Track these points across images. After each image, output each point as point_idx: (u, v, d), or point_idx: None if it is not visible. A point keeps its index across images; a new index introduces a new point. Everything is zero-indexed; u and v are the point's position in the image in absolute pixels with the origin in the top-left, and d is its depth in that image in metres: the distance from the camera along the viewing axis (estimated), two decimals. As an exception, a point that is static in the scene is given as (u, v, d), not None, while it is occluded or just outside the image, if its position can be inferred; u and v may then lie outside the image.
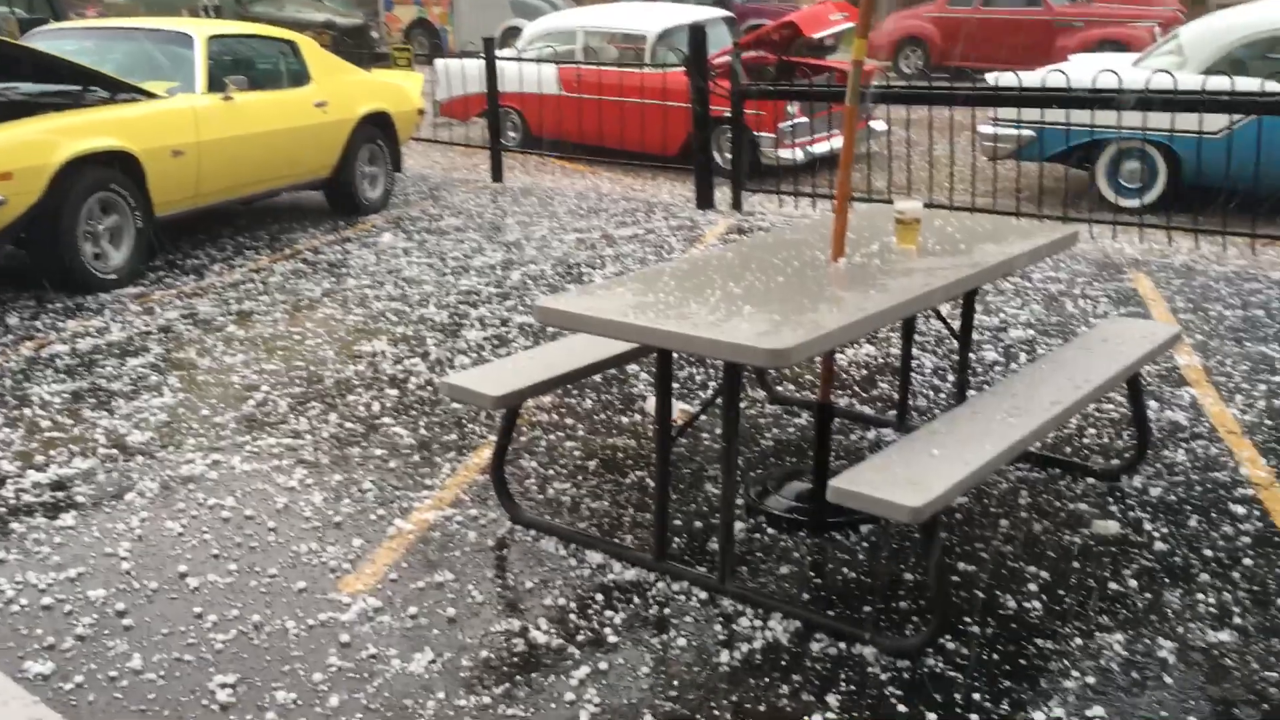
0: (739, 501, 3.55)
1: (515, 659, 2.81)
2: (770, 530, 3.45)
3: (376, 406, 4.51)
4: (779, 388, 4.63)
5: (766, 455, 4.02)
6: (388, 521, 3.55)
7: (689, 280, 3.19)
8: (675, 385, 4.69)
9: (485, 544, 3.41)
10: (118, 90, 6.50)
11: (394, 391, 4.68)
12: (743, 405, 4.47)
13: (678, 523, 3.50)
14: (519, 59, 10.42)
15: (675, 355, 5.07)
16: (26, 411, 4.47)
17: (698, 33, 8.12)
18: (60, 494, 3.76)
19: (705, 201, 8.38)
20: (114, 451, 4.10)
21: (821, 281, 3.20)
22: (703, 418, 4.25)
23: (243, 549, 3.39)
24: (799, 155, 9.03)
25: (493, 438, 4.01)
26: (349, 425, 4.33)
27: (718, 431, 4.09)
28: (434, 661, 2.80)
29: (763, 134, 9.14)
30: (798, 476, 3.70)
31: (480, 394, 3.29)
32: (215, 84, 6.87)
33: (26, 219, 5.74)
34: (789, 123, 9.15)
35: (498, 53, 9.78)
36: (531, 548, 3.38)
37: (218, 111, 6.79)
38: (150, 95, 6.56)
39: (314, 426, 4.32)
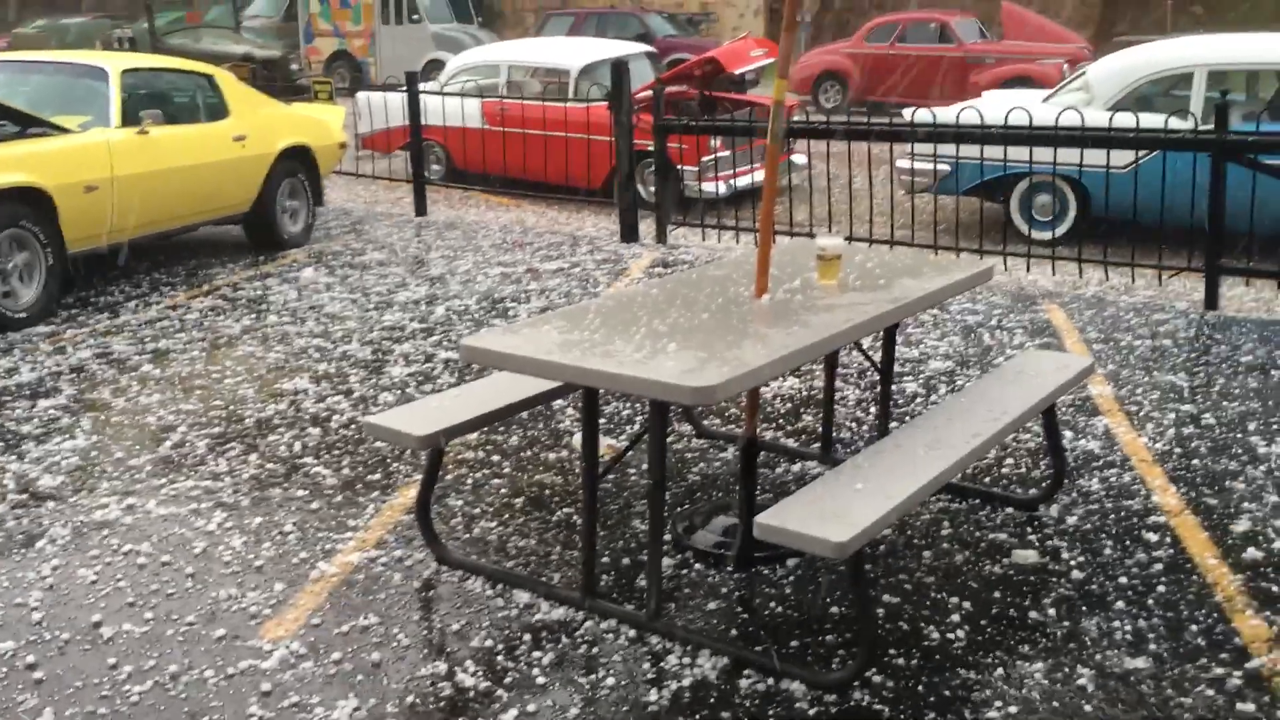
0: (666, 537, 3.55)
1: (442, 703, 2.77)
2: (698, 566, 3.46)
3: (298, 446, 4.44)
4: (705, 421, 4.65)
5: (693, 490, 4.04)
6: (310, 564, 3.49)
7: (614, 317, 3.20)
8: (602, 420, 4.70)
9: (411, 586, 3.37)
10: (28, 124, 6.35)
11: (316, 430, 4.61)
12: (669, 440, 4.48)
13: (605, 560, 3.49)
14: (442, 92, 10.41)
15: (602, 391, 5.07)
16: (-70, 457, 4.32)
17: (620, 67, 8.19)
18: (-34, 542, 3.64)
19: (630, 235, 8.43)
20: (24, 497, 3.97)
21: (745, 318, 3.23)
22: (630, 453, 4.25)
23: (159, 596, 3.30)
24: (722, 189, 9.13)
25: (418, 477, 3.97)
26: (270, 466, 4.25)
27: (644, 467, 4.09)
28: (359, 709, 2.75)
29: (686, 167, 9.23)
30: (724, 511, 3.72)
31: (404, 434, 3.26)
32: (130, 118, 6.75)
33: (-69, 257, 5.58)
34: (711, 156, 9.24)
35: (420, 86, 9.75)
36: (458, 588, 3.35)
37: (133, 146, 6.67)
38: (62, 130, 6.42)
39: (233, 468, 4.24)
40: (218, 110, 7.60)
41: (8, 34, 23.16)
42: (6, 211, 5.87)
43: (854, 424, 4.68)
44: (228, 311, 6.43)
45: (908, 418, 4.70)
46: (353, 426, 4.64)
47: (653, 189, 8.84)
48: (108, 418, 4.76)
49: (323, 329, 6.07)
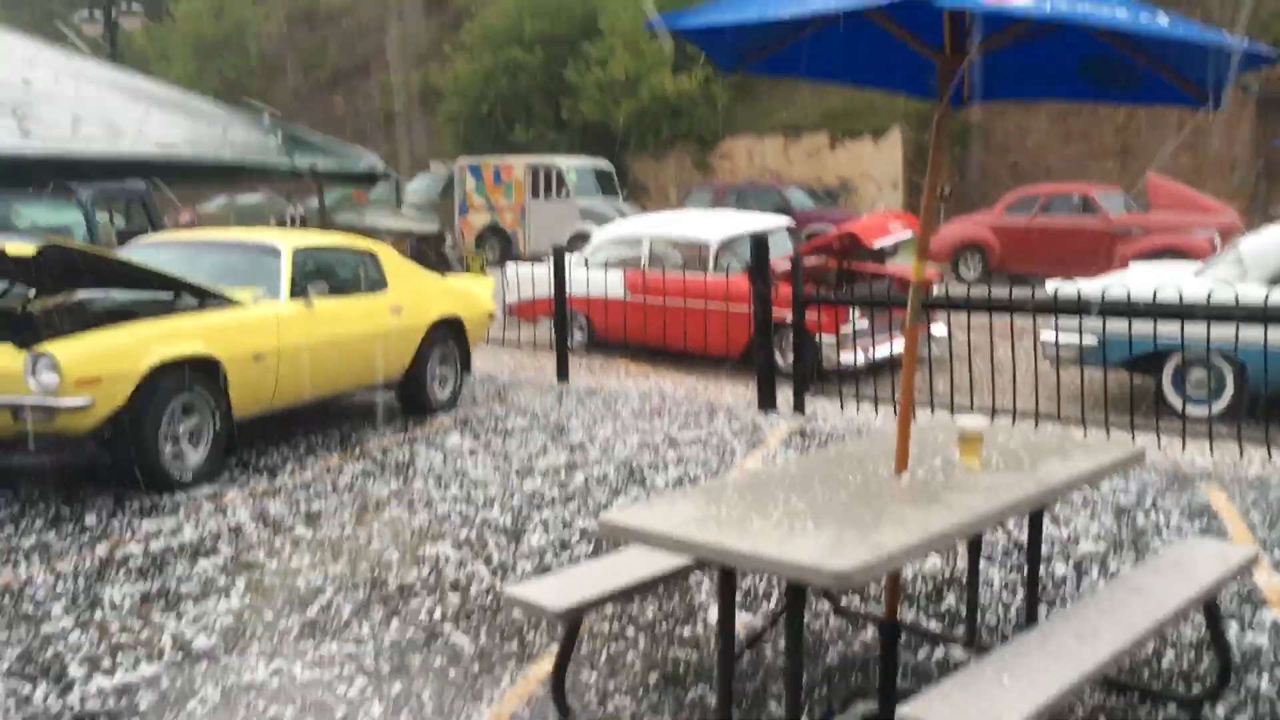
0: (804, 722, 3.46)
1: None
2: (836, 754, 3.35)
3: (439, 612, 4.51)
4: (844, 600, 4.56)
5: (831, 672, 3.94)
6: (446, 735, 3.51)
7: (751, 494, 3.22)
8: (738, 596, 4.65)
9: (544, 762, 3.35)
10: (206, 297, 6.83)
11: (456, 597, 4.69)
12: (806, 618, 4.40)
13: (741, 744, 3.41)
14: (586, 264, 10.81)
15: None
16: (98, 614, 4.53)
17: (760, 242, 8.39)
18: (125, 700, 3.78)
19: (767, 404, 8.47)
20: (179, 656, 4.13)
21: (884, 497, 3.21)
22: (766, 632, 4.19)
23: (300, 762, 3.36)
24: (860, 359, 9.14)
25: (554, 647, 3.98)
26: (410, 632, 4.33)
27: (782, 646, 4.02)
28: None
29: (824, 337, 9.29)
30: (863, 697, 3.61)
31: (542, 606, 3.30)
32: (298, 291, 7.19)
33: (111, 421, 5.96)
34: (849, 327, 9.30)
35: (566, 257, 10.16)
36: (591, 767, 3.31)
37: (299, 317, 7.09)
38: (236, 302, 6.88)
39: (376, 632, 4.32)
40: (378, 283, 8.05)
41: (190, 208, 25.06)
42: (182, 379, 6.27)
43: (1000, 607, 4.51)
44: (377, 475, 6.66)
45: (1057, 603, 4.52)
46: (491, 594, 4.71)
47: (790, 358, 8.91)
48: (261, 578, 4.94)
49: (466, 494, 6.23)
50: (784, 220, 12.31)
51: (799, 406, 8.40)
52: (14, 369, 5.73)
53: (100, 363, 5.87)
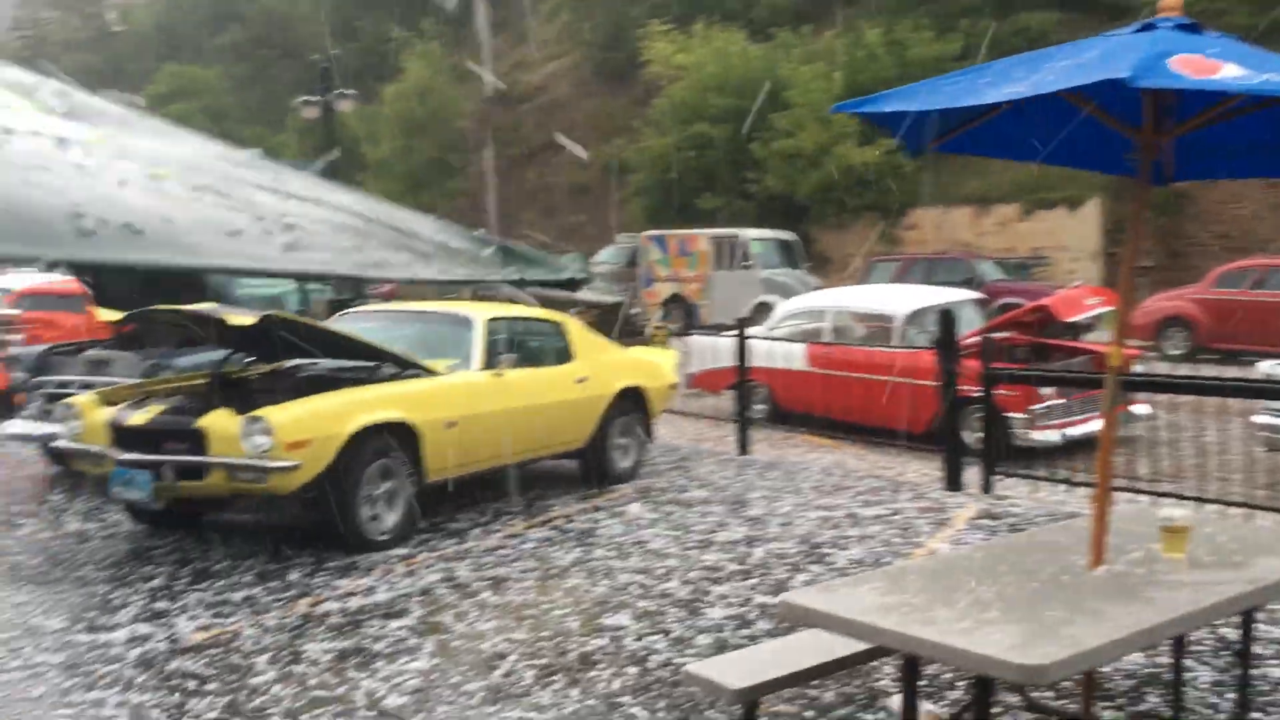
0: (991, 821, 3.32)
1: None
2: None
3: (617, 684, 4.55)
4: (1034, 693, 4.36)
5: (1021, 770, 3.77)
6: (623, 810, 3.52)
7: (936, 581, 3.14)
8: (922, 682, 4.52)
9: (720, 844, 3.31)
10: (405, 367, 7.17)
11: (634, 670, 4.72)
12: (996, 711, 4.23)
13: (924, 840, 3.29)
14: (769, 336, 10.82)
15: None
16: (298, 668, 4.77)
17: (948, 316, 8.23)
18: (319, 752, 3.95)
19: (954, 483, 8.23)
20: (372, 715, 4.29)
21: (1080, 590, 3.08)
22: (951, 722, 4.05)
23: (481, 826, 3.43)
24: (1053, 438, 8.80)
25: (731, 728, 3.95)
26: (589, 703, 4.38)
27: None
28: None
29: (1014, 415, 8.99)
30: (1057, 798, 3.44)
31: (721, 686, 3.29)
32: (489, 361, 7.47)
33: (315, 482, 6.30)
34: (1043, 405, 8.98)
35: (749, 330, 10.21)
36: None
37: (489, 386, 7.35)
38: (432, 372, 7.19)
39: (556, 701, 4.39)
40: (564, 354, 8.28)
41: (395, 284, 26.28)
42: (380, 444, 6.58)
43: (1206, 710, 4.23)
44: (560, 542, 6.79)
45: (1270, 708, 4.20)
46: (669, 668, 4.71)
47: (979, 436, 8.66)
48: (448, 642, 5.09)
49: (645, 565, 6.28)
50: (972, 294, 12.04)
51: (987, 487, 8.13)
52: (232, 432, 6.13)
53: (309, 427, 6.22)
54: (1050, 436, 8.85)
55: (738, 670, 3.37)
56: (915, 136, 3.61)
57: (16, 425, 8.72)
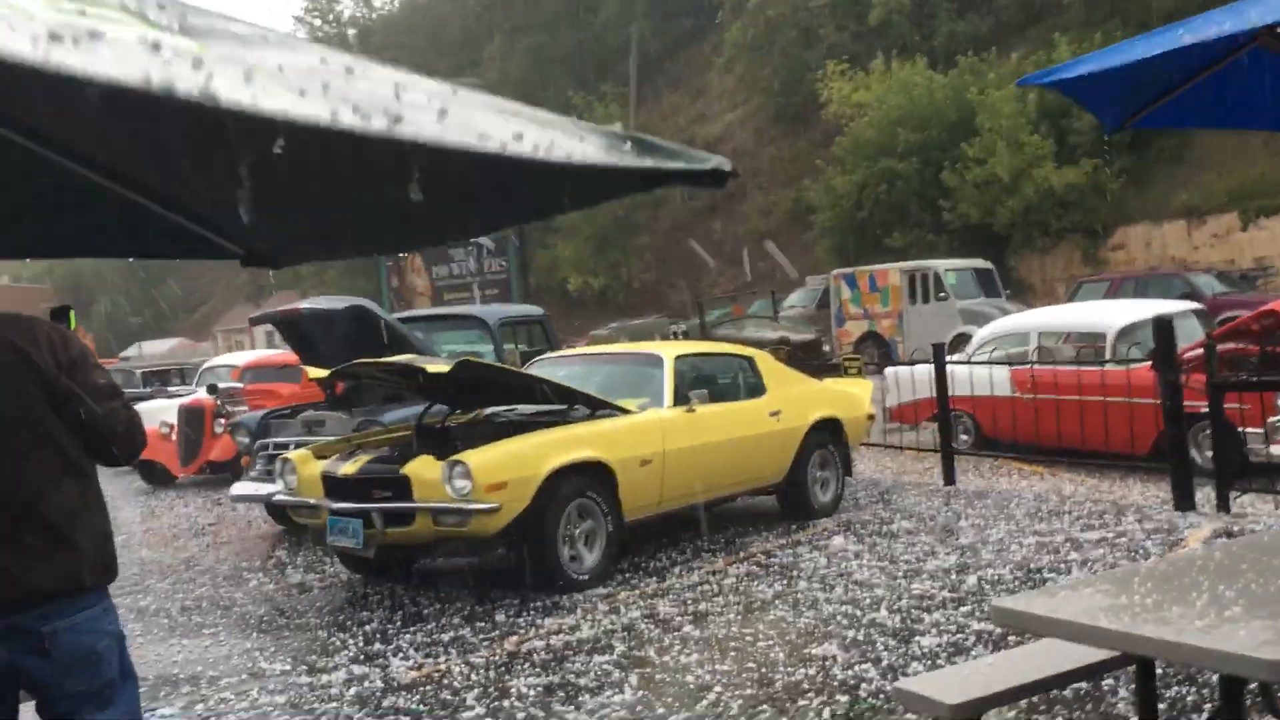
0: None
1: None
2: None
3: (827, 713, 4.37)
4: (1293, 714, 3.94)
5: (1285, 796, 3.38)
6: (838, 839, 3.34)
7: (1169, 582, 2.87)
8: (1163, 706, 4.15)
9: None
10: (598, 407, 7.22)
11: (845, 698, 4.52)
12: (1248, 733, 3.84)
13: None
14: (969, 362, 10.41)
15: (1159, 668, 4.51)
16: (506, 703, 4.78)
17: (1164, 325, 7.71)
18: (528, 784, 3.92)
19: (1184, 503, 7.65)
20: (577, 745, 4.25)
21: (1338, 585, 2.75)
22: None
23: None
24: (1295, 451, 8.07)
25: (951, 754, 3.71)
26: (799, 732, 4.21)
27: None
28: None
29: (1248, 430, 8.30)
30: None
31: (935, 701, 3.09)
32: (680, 398, 7.44)
33: (515, 524, 6.38)
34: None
35: (947, 357, 9.84)
36: None
37: (681, 423, 7.31)
38: (625, 411, 7.21)
39: (764, 731, 4.24)
40: (756, 388, 8.17)
41: (586, 335, 26.85)
42: (577, 484, 6.62)
43: None
44: (761, 577, 6.64)
45: None
46: (882, 695, 4.50)
47: (1209, 453, 8.04)
48: (652, 675, 5.02)
49: (851, 596, 6.05)
50: (1191, 304, 11.29)
51: (1223, 505, 7.52)
52: (434, 476, 6.29)
53: (506, 469, 6.32)
54: (1291, 450, 8.11)
55: (955, 685, 3.16)
56: (1111, 110, 3.37)
57: (243, 486, 9.24)
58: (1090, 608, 2.71)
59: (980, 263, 22.82)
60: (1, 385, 2.51)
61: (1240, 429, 8.22)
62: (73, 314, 2.70)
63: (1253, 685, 4.08)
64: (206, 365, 18.07)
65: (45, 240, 2.64)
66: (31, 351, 2.53)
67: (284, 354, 12.95)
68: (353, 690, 5.10)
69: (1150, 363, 8.17)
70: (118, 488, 13.86)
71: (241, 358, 16.93)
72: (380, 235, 2.27)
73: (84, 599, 2.57)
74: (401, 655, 5.59)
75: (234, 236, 2.38)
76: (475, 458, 6.27)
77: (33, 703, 2.63)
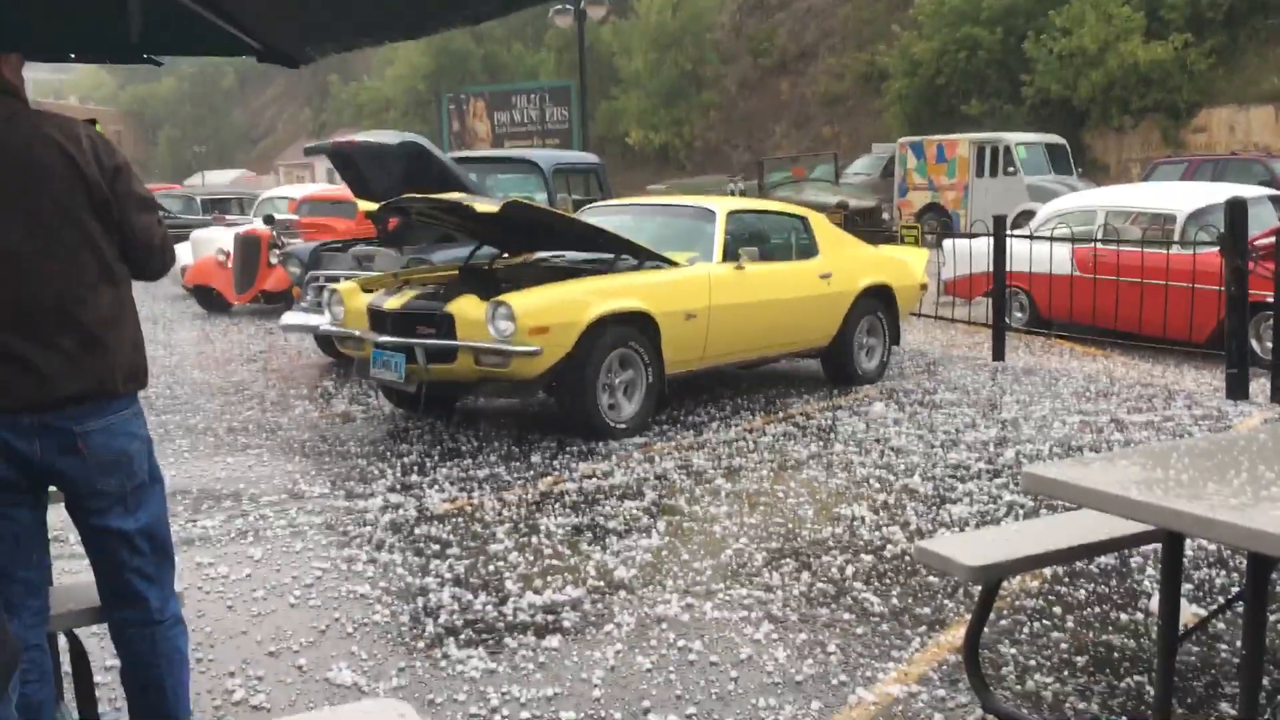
0: (1263, 730, 2.98)
1: None
2: (1304, 771, 2.85)
3: (850, 570, 4.40)
4: (1323, 605, 3.90)
5: (1303, 681, 3.37)
6: (849, 689, 3.39)
7: (1207, 459, 2.80)
8: (1189, 587, 4.13)
9: (951, 730, 3.13)
10: (646, 258, 7.14)
11: (869, 557, 4.54)
12: (1275, 619, 3.81)
13: (1182, 743, 3.00)
14: (1030, 236, 10.16)
15: (1190, 550, 4.48)
16: (534, 539, 4.87)
17: (1237, 208, 7.43)
18: (550, 617, 4.01)
19: (1238, 392, 7.49)
20: (601, 584, 4.32)
21: (1384, 474, 2.66)
22: (1224, 626, 3.68)
23: (704, 694, 3.39)
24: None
25: (970, 616, 3.72)
26: (820, 585, 4.25)
27: (1240, 644, 3.50)
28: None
29: (1313, 322, 8.05)
30: (1345, 712, 3.05)
31: (957, 563, 3.07)
32: (730, 254, 7.33)
33: (556, 369, 6.39)
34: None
35: (1008, 232, 9.59)
36: (1002, 742, 3.05)
37: (729, 280, 7.22)
38: (673, 264, 7.13)
39: (786, 583, 4.28)
40: (808, 249, 8.03)
41: (644, 190, 26.55)
42: (620, 333, 6.60)
43: None
44: (798, 438, 6.64)
45: None
46: (906, 557, 4.51)
47: (1269, 344, 7.83)
48: (680, 523, 5.07)
49: (886, 461, 6.04)
50: (1269, 190, 10.85)
51: (1278, 396, 7.36)
52: (478, 316, 6.29)
53: (550, 314, 6.30)
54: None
55: (977, 548, 3.14)
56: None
57: (293, 316, 9.35)
58: (1123, 479, 2.65)
59: (1054, 138, 22.08)
60: (47, 182, 2.50)
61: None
62: (98, 125, 2.67)
63: (1284, 573, 4.04)
64: (264, 196, 18.18)
65: (43, 37, 2.59)
66: (76, 153, 2.52)
67: (341, 189, 12.93)
68: (387, 517, 5.21)
69: (1218, 247, 7.90)
70: (175, 311, 14.13)
71: (299, 190, 16.97)
72: (397, 16, 2.19)
73: (115, 402, 2.60)
74: (437, 488, 5.69)
75: (251, 29, 2.30)
76: (519, 300, 6.26)
77: (62, 503, 2.69)
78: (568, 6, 22.08)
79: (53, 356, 2.50)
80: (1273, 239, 7.69)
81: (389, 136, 9.22)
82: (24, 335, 2.48)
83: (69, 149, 2.52)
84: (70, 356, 2.52)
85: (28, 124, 2.51)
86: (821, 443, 6.50)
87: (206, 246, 13.92)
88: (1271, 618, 3.81)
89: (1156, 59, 24.01)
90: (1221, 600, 3.97)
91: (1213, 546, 4.49)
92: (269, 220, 12.76)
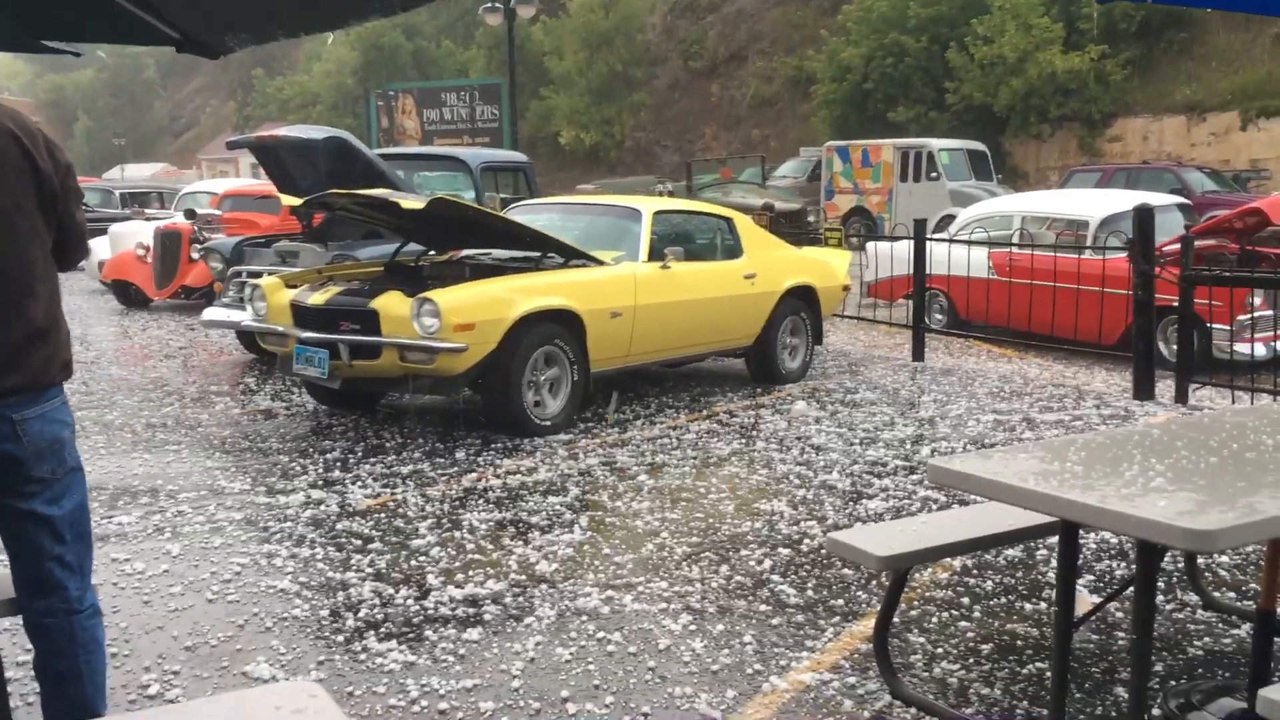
0: (1156, 712, 3.12)
1: (876, 841, 2.60)
2: (1190, 750, 2.99)
3: (768, 563, 4.49)
4: (1216, 593, 4.08)
5: (1194, 665, 3.53)
6: (764, 677, 3.48)
7: (1103, 453, 2.92)
8: (1091, 579, 4.29)
9: (861, 715, 3.23)
10: (572, 257, 7.19)
11: (786, 551, 4.64)
12: (1170, 608, 3.99)
13: (1078, 725, 3.13)
14: (949, 240, 10.39)
15: (1092, 543, 4.65)
16: (457, 534, 4.89)
17: (1144, 215, 7.69)
18: (471, 610, 4.04)
19: (1144, 393, 7.76)
20: (523, 578, 4.36)
21: (1265, 466, 2.81)
22: (1121, 614, 3.83)
23: (622, 684, 3.45)
24: (1260, 350, 8.15)
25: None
26: (738, 578, 4.33)
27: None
28: (789, 827, 2.65)
29: (1216, 326, 8.37)
30: (1231, 693, 3.20)
31: (867, 553, 3.17)
32: (656, 254, 7.40)
33: (481, 366, 6.41)
34: (1248, 316, 8.32)
35: (928, 235, 9.81)
36: (909, 727, 3.16)
37: (655, 279, 7.30)
38: (599, 262, 7.19)
39: (705, 576, 4.36)
40: (733, 250, 8.14)
41: (573, 190, 26.55)
42: (545, 331, 6.63)
43: None
44: (721, 435, 6.74)
45: None
46: (823, 551, 4.62)
47: (1174, 347, 8.12)
48: (603, 518, 5.13)
49: (806, 458, 6.16)
50: (1177, 199, 11.23)
51: (1181, 397, 7.63)
52: (403, 313, 6.29)
53: (475, 311, 6.32)
54: (1257, 349, 8.19)
55: (886, 539, 3.24)
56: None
57: (215, 312, 9.23)
58: (1022, 471, 2.76)
59: (975, 144, 22.57)
60: (6, 174, 2.53)
61: (1209, 325, 8.29)
62: None
63: (1181, 564, 4.21)
64: (185, 190, 17.87)
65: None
66: (31, 146, 2.57)
67: (264, 185, 12.78)
68: (309, 513, 5.19)
69: (1127, 253, 8.17)
70: (92, 306, 13.84)
71: (221, 185, 16.72)
72: (313, 7, 2.22)
73: (50, 391, 2.65)
74: (360, 484, 5.68)
75: (170, 19, 2.32)
76: (444, 297, 6.26)
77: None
78: (497, 5, 22.02)
79: (1, 349, 2.51)
80: (1178, 245, 7.96)
81: (314, 131, 9.16)
82: None
83: (25, 142, 2.56)
84: (17, 348, 2.56)
85: None
86: (744, 440, 6.60)
87: (125, 241, 13.66)
88: (1169, 606, 3.99)
89: (1074, 68, 24.66)
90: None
91: (1114, 539, 4.67)
92: (190, 215, 12.56)
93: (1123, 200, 10.44)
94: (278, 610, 4.03)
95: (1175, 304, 7.88)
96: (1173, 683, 3.37)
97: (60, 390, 2.70)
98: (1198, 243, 8.33)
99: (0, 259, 2.53)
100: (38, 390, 2.61)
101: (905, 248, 10.16)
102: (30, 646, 2.77)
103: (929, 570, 4.34)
